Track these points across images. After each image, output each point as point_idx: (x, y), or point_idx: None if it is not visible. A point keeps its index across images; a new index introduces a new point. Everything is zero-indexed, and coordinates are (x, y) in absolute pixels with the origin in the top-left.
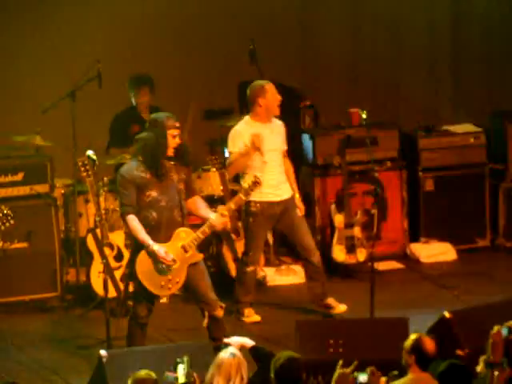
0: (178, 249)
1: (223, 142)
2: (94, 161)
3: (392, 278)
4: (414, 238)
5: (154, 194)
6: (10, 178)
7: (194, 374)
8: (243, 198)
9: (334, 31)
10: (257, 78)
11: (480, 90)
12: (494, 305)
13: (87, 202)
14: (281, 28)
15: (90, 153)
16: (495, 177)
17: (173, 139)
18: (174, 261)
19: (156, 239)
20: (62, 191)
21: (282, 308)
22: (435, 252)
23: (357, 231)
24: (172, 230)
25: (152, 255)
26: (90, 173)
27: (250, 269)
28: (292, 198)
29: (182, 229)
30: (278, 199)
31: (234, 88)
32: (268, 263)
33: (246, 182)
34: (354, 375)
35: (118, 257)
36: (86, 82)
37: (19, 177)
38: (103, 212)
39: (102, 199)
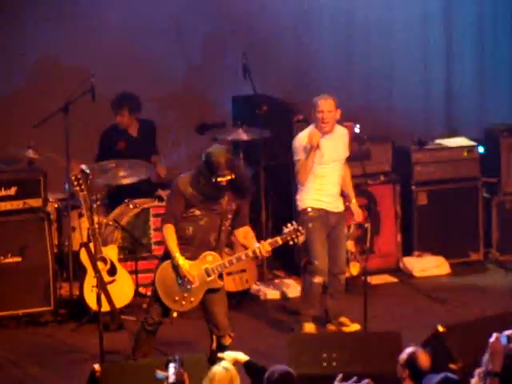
0: (200, 270)
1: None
2: (87, 175)
3: (385, 292)
4: (408, 251)
5: (197, 212)
6: (2, 193)
7: (185, 374)
8: (280, 242)
9: (328, 46)
10: (250, 91)
11: (473, 104)
12: (487, 319)
13: (80, 216)
14: (274, 42)
15: (83, 167)
16: (488, 190)
17: (220, 181)
18: (191, 281)
19: (184, 254)
20: (56, 205)
21: (276, 322)
22: (428, 266)
23: (350, 245)
24: (202, 251)
25: (175, 268)
26: (83, 187)
27: (316, 279)
28: (344, 213)
29: (210, 252)
30: (334, 210)
31: (227, 101)
32: (262, 277)
33: (288, 228)
34: None
35: (112, 271)
36: (79, 96)
37: (12, 191)
38: (96, 226)
39: (95, 213)
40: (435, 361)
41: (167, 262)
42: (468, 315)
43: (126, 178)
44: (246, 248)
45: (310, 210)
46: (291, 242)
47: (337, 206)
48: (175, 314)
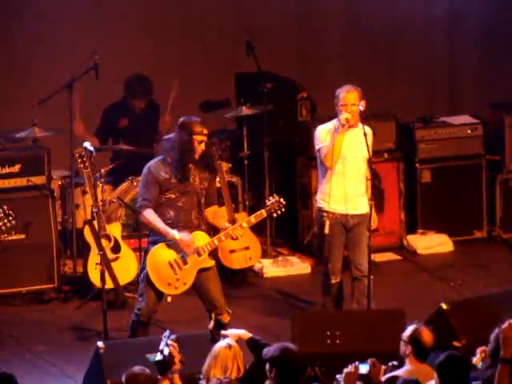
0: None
1: (220, 133)
2: (91, 152)
3: (389, 270)
4: (411, 229)
5: (172, 196)
6: (7, 170)
7: (175, 347)
8: (264, 214)
9: (332, 22)
10: (253, 69)
11: (477, 82)
12: (490, 296)
13: (84, 193)
14: (278, 19)
15: (87, 144)
16: (492, 168)
17: (198, 145)
18: (199, 250)
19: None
20: (59, 183)
21: (279, 299)
22: (432, 243)
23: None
24: (188, 231)
25: (173, 245)
26: (87, 164)
27: (334, 280)
28: (367, 215)
29: (197, 232)
30: (351, 212)
31: (230, 79)
32: (265, 254)
33: (270, 201)
34: (355, 366)
35: (115, 248)
36: (83, 73)
37: (16, 168)
38: (100, 203)
39: (99, 191)
40: (438, 338)
41: (156, 247)
42: (471, 293)
43: None
44: (214, 227)
45: (325, 214)
46: (275, 214)
47: (357, 207)
48: (169, 299)
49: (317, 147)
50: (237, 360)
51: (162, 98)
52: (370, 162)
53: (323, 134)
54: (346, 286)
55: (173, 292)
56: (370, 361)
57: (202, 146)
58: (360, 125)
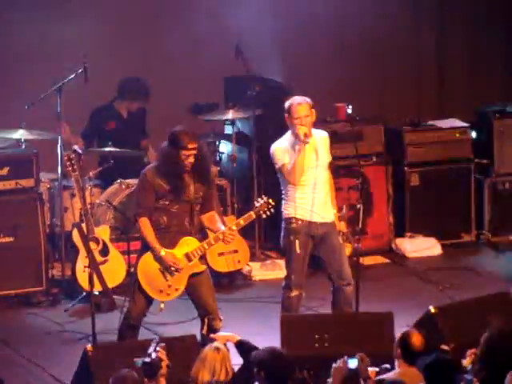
0: (181, 256)
1: (209, 136)
2: (79, 155)
3: (377, 273)
4: (400, 232)
5: (166, 202)
6: None
7: (164, 353)
8: (253, 216)
9: (321, 27)
10: (242, 72)
11: (466, 85)
12: (479, 300)
13: (73, 196)
14: (267, 22)
15: (75, 147)
16: (481, 172)
17: (186, 159)
18: (178, 268)
19: (162, 243)
20: (48, 186)
21: (267, 303)
22: (420, 247)
23: (342, 226)
24: (180, 237)
25: (158, 260)
26: (75, 167)
27: (294, 293)
28: (334, 222)
29: (188, 237)
30: (321, 221)
31: (219, 82)
32: (253, 258)
33: (258, 202)
34: (344, 361)
35: (104, 251)
36: (72, 76)
37: (4, 171)
38: (89, 206)
39: (87, 193)
40: (427, 341)
41: (147, 254)
42: (460, 296)
43: None
44: (212, 231)
45: (293, 220)
46: (264, 215)
47: (324, 216)
48: (162, 305)
49: (277, 166)
50: (225, 363)
51: (150, 100)
52: (330, 166)
53: (280, 152)
54: (325, 296)
55: (165, 298)
56: (358, 356)
57: (191, 159)
58: (314, 132)
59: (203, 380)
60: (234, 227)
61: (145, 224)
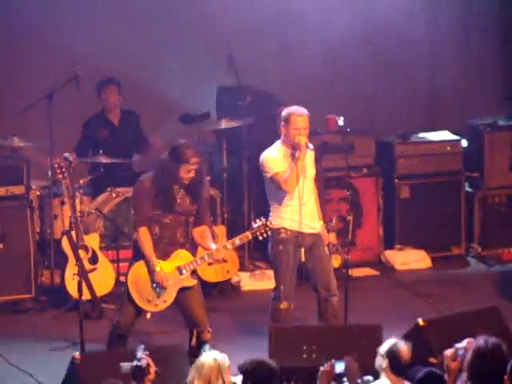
0: (173, 269)
1: (200, 146)
2: (70, 163)
3: (366, 285)
4: (389, 244)
5: (160, 212)
6: None
7: (149, 359)
8: (249, 236)
9: (313, 38)
10: (234, 82)
11: (457, 98)
12: (467, 313)
13: (63, 204)
14: (259, 33)
15: (66, 155)
16: (471, 185)
17: (186, 174)
18: (165, 287)
19: (155, 254)
20: (38, 193)
21: (256, 313)
22: (410, 259)
23: (332, 237)
24: (172, 248)
25: (151, 272)
26: (65, 175)
27: (283, 305)
28: (321, 234)
29: (181, 250)
30: (309, 231)
31: (211, 92)
32: (243, 268)
33: (256, 223)
34: (331, 365)
35: (93, 259)
36: (64, 84)
37: None
38: (78, 214)
39: (77, 201)
40: (415, 354)
41: (139, 264)
42: (448, 309)
43: None
44: (202, 247)
45: (282, 231)
46: (260, 237)
47: (313, 226)
48: (149, 315)
49: (268, 175)
50: (221, 374)
51: (142, 109)
52: (316, 178)
53: (274, 160)
54: (313, 307)
55: (152, 309)
56: (346, 359)
57: (191, 174)
58: None
59: None
60: (228, 246)
61: (144, 234)
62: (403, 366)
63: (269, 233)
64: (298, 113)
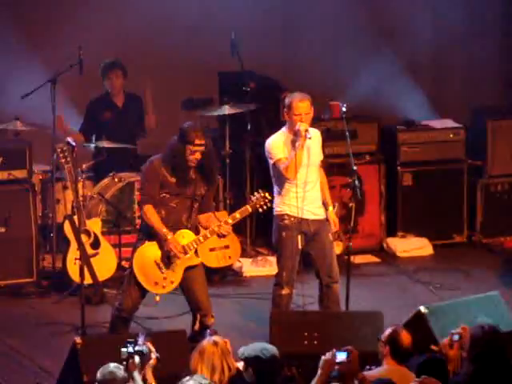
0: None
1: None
2: (72, 147)
3: (368, 272)
4: (391, 232)
5: (167, 195)
6: None
7: (150, 344)
8: (249, 209)
9: (317, 24)
10: (237, 68)
11: (460, 86)
12: (469, 301)
13: (65, 188)
14: (262, 18)
15: (69, 139)
16: (474, 173)
17: (191, 154)
18: (178, 256)
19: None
20: (41, 177)
21: (258, 299)
22: (412, 247)
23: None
24: (176, 231)
25: (164, 244)
26: (68, 159)
27: (285, 291)
28: (325, 220)
29: (183, 230)
30: (313, 217)
31: (214, 78)
32: (244, 254)
33: (255, 196)
34: (333, 354)
35: (95, 244)
36: (67, 69)
37: None
38: (81, 199)
39: (80, 186)
40: (417, 342)
41: (143, 246)
42: (450, 297)
43: None
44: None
45: (286, 217)
46: (260, 210)
47: (317, 212)
48: (158, 298)
49: (271, 161)
50: (224, 358)
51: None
52: (323, 164)
53: (277, 146)
54: (316, 294)
55: (160, 291)
56: (347, 349)
57: (197, 156)
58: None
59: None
60: (229, 220)
61: (150, 211)
62: (404, 352)
63: (268, 205)
64: (299, 98)
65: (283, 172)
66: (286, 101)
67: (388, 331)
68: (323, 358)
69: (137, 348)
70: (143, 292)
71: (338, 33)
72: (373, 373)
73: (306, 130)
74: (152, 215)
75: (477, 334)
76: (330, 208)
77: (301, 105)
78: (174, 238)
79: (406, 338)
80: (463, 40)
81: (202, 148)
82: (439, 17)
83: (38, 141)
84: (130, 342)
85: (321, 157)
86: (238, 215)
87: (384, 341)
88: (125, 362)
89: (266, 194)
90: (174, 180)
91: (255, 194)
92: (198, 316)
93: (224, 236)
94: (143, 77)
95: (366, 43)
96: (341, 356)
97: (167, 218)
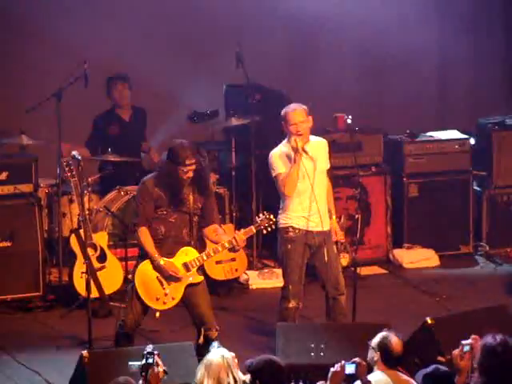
0: (179, 266)
1: (208, 144)
2: (78, 161)
3: (375, 283)
4: (398, 243)
5: (165, 212)
6: None
7: (158, 359)
8: (254, 230)
9: (321, 37)
10: (243, 80)
11: (466, 97)
12: (476, 312)
13: (71, 202)
14: (268, 31)
15: (74, 153)
16: (479, 184)
17: (184, 174)
18: (177, 276)
19: (160, 252)
20: (46, 191)
21: (264, 311)
22: (418, 258)
23: (340, 235)
24: (178, 247)
25: (157, 269)
26: (74, 173)
27: (291, 304)
28: (330, 232)
29: (187, 248)
30: (318, 229)
31: (220, 90)
32: (251, 266)
33: (260, 218)
34: (341, 365)
35: (101, 257)
36: (72, 82)
37: (3, 176)
38: (87, 212)
39: (86, 199)
40: (424, 353)
41: (145, 262)
42: (456, 308)
43: None
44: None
45: (291, 229)
46: (264, 231)
47: (322, 224)
48: (158, 314)
49: (273, 174)
50: (231, 371)
51: (150, 108)
52: (329, 173)
53: (277, 159)
54: (322, 306)
55: (161, 307)
56: (355, 360)
57: (189, 174)
58: (313, 138)
59: None
60: (243, 237)
61: (144, 234)
62: (395, 358)
63: (273, 227)
64: (292, 108)
65: (281, 188)
66: (282, 114)
67: (378, 337)
68: (332, 370)
69: (144, 362)
70: (145, 308)
71: (342, 46)
72: (370, 379)
73: (303, 148)
74: (145, 239)
75: (488, 344)
76: (334, 217)
77: (294, 114)
78: (168, 261)
79: (396, 343)
80: (469, 51)
81: (193, 167)
82: (445, 28)
83: (43, 154)
84: (150, 353)
85: (327, 166)
86: (243, 236)
87: (375, 347)
88: (143, 373)
89: (271, 217)
90: (167, 199)
91: (260, 215)
92: (202, 330)
93: (236, 251)
94: (160, 87)
95: (371, 54)
96: (350, 368)
97: (167, 234)
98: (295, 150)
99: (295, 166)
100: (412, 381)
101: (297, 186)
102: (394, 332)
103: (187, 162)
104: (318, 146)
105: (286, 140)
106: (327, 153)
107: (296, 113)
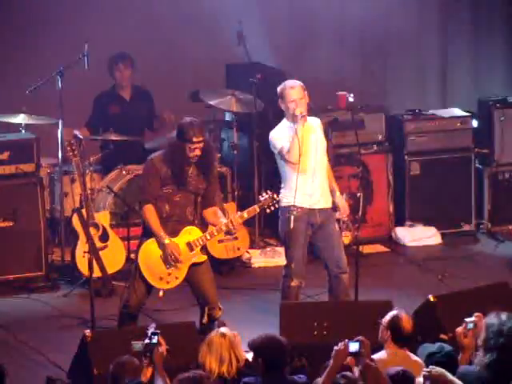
0: (183, 245)
1: (210, 123)
2: (80, 140)
3: (377, 262)
4: (400, 221)
5: (170, 190)
6: None
7: (161, 339)
8: (257, 210)
9: (324, 15)
10: (244, 59)
11: (468, 75)
12: (478, 289)
13: (73, 181)
14: (269, 9)
15: (76, 132)
16: (481, 161)
17: (191, 152)
18: (177, 260)
19: (164, 231)
20: (48, 170)
21: (267, 290)
22: (420, 236)
23: (346, 211)
24: (181, 226)
25: (161, 247)
26: (76, 152)
27: (294, 283)
28: (332, 209)
29: (190, 227)
30: (320, 207)
31: (221, 69)
32: (253, 245)
33: (263, 196)
34: (345, 344)
35: (104, 237)
36: (74, 62)
37: (5, 156)
38: (89, 192)
39: (87, 179)
40: (425, 330)
41: (149, 241)
42: (459, 286)
43: None
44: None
45: (293, 208)
46: (268, 210)
47: (324, 202)
48: (161, 293)
49: (276, 150)
50: (233, 350)
51: (152, 86)
52: (328, 152)
53: (279, 137)
54: (325, 284)
55: (164, 286)
56: (359, 339)
57: (197, 152)
58: (308, 119)
59: (211, 367)
60: (239, 220)
61: (150, 211)
62: (405, 336)
63: (276, 205)
64: (289, 85)
65: (286, 157)
66: (278, 91)
67: (389, 316)
68: (335, 348)
69: (147, 341)
70: (149, 287)
71: (344, 23)
72: (374, 357)
73: (302, 113)
74: (151, 216)
75: (492, 322)
76: (338, 193)
77: (292, 91)
78: (173, 241)
79: (407, 322)
80: (471, 29)
81: (201, 144)
82: (446, 7)
83: (44, 133)
84: (154, 334)
85: (324, 143)
86: (245, 215)
87: (385, 325)
88: (148, 354)
89: (274, 195)
90: (174, 176)
91: (263, 194)
92: (206, 309)
93: (231, 234)
94: (161, 67)
95: (372, 34)
96: (353, 346)
97: (172, 212)
98: (296, 120)
99: (299, 130)
100: (421, 361)
101: (301, 154)
102: (404, 311)
103: (195, 140)
104: (316, 125)
105: (284, 120)
106: (323, 131)
107: (294, 90)
